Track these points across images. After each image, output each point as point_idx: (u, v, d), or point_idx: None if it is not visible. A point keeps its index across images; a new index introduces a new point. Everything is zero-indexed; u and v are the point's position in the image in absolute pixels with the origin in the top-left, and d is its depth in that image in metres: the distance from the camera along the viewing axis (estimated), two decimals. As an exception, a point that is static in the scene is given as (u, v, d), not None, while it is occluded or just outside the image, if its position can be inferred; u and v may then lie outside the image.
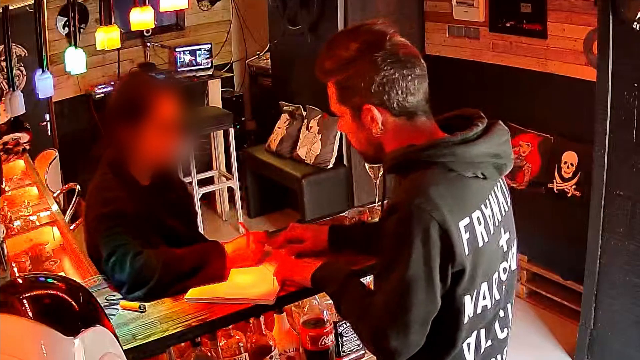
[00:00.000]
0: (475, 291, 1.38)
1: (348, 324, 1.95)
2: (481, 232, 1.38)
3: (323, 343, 1.88)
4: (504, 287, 1.47)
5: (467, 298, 1.37)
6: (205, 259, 1.80)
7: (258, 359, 1.82)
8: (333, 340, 1.92)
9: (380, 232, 1.41)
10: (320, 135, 4.63)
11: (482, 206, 1.40)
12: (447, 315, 1.37)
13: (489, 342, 1.46)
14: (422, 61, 1.43)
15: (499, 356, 1.51)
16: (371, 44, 1.39)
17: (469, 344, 1.42)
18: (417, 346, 1.35)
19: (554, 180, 3.59)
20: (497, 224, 1.43)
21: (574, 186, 3.51)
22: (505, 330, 1.51)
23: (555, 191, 3.58)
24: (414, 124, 1.42)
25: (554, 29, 3.58)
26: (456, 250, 1.32)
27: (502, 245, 1.46)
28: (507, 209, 1.50)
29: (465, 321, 1.39)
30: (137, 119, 1.88)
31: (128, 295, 1.72)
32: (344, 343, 1.97)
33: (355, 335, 1.98)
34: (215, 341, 1.76)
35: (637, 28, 2.58)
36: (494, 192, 1.45)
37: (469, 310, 1.38)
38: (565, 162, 3.56)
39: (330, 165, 4.62)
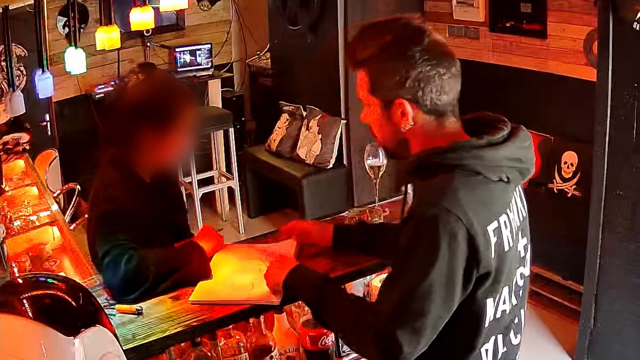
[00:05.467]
0: (498, 295, 1.37)
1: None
2: (507, 236, 1.37)
3: (323, 343, 1.88)
4: (520, 292, 1.47)
5: (489, 301, 1.36)
6: (185, 259, 1.79)
7: (258, 359, 1.82)
8: (333, 340, 1.92)
9: (400, 232, 1.38)
10: (320, 135, 4.63)
11: (507, 210, 1.39)
12: (468, 319, 1.35)
13: (505, 348, 1.46)
14: (458, 61, 1.41)
15: (511, 356, 1.50)
16: (408, 38, 1.37)
17: (487, 350, 1.41)
18: (419, 352, 1.32)
19: (554, 180, 3.59)
20: (516, 228, 1.42)
21: (574, 186, 3.51)
22: (519, 336, 1.51)
23: (555, 191, 3.58)
24: (442, 123, 1.40)
25: (554, 29, 3.58)
26: (482, 254, 1.29)
27: (520, 251, 1.45)
28: (524, 214, 1.49)
29: (487, 325, 1.37)
30: (164, 123, 1.88)
31: (122, 297, 1.71)
32: (344, 343, 1.97)
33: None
34: (215, 341, 1.76)
35: (637, 28, 2.58)
36: (514, 196, 1.45)
37: (490, 314, 1.37)
38: (565, 162, 3.56)
39: (330, 165, 4.62)
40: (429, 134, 1.40)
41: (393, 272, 1.38)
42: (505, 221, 1.37)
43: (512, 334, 1.47)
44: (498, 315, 1.39)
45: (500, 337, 1.43)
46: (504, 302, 1.40)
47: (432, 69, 1.36)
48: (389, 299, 1.33)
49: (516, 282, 1.44)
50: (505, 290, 1.39)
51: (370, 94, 1.43)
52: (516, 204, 1.45)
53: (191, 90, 2.05)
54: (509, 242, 1.37)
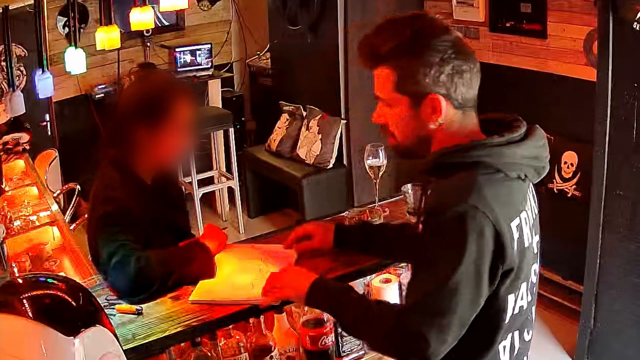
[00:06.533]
0: (518, 291, 1.39)
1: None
2: (527, 233, 1.38)
3: (323, 343, 1.88)
4: (533, 289, 1.47)
5: (510, 297, 1.37)
6: (191, 258, 1.80)
7: (258, 359, 1.82)
8: (333, 340, 1.92)
9: (421, 231, 1.38)
10: (320, 135, 4.63)
11: (526, 207, 1.41)
12: (490, 315, 1.36)
13: (519, 344, 1.47)
14: None
15: (525, 358, 1.51)
16: (436, 32, 1.36)
17: (504, 347, 1.42)
18: (447, 349, 1.32)
19: (554, 180, 3.59)
20: (531, 225, 1.44)
21: (574, 186, 3.51)
22: (531, 332, 1.51)
23: (555, 191, 3.58)
24: (465, 119, 1.41)
25: (554, 29, 3.58)
26: (507, 250, 1.31)
27: (534, 247, 1.46)
28: (536, 212, 1.50)
29: (507, 321, 1.38)
30: (157, 120, 1.87)
31: (131, 298, 1.70)
32: (344, 343, 1.98)
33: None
34: (215, 341, 1.76)
35: (637, 28, 2.58)
36: (528, 194, 1.46)
37: (510, 310, 1.38)
38: (565, 162, 3.56)
39: (330, 165, 4.62)
40: (453, 131, 1.40)
41: (418, 271, 1.38)
42: (525, 218, 1.38)
43: (525, 331, 1.49)
44: (516, 311, 1.40)
45: (517, 333, 1.44)
46: (522, 298, 1.41)
47: (463, 63, 1.35)
48: (416, 299, 1.33)
49: (531, 279, 1.45)
50: (524, 286, 1.40)
51: (396, 91, 1.39)
52: (530, 201, 1.46)
53: (185, 86, 2.04)
54: (528, 238, 1.39)
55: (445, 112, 1.37)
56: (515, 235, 1.33)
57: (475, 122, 1.43)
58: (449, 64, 1.34)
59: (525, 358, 1.51)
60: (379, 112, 1.46)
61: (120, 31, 4.38)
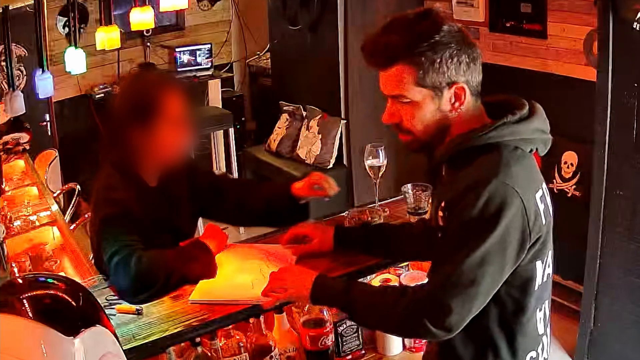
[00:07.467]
0: (545, 258, 1.44)
1: (348, 324, 1.95)
2: (549, 203, 1.44)
3: (323, 343, 1.88)
4: (552, 257, 1.52)
5: (538, 264, 1.42)
6: (193, 258, 1.80)
7: (258, 359, 1.82)
8: (333, 340, 1.92)
9: (451, 215, 1.39)
10: (320, 135, 4.63)
11: (544, 178, 1.47)
12: (519, 281, 1.40)
13: (549, 314, 1.53)
14: None
15: (549, 325, 1.56)
16: (445, 24, 1.38)
17: (540, 318, 1.48)
18: (470, 318, 1.35)
19: (554, 180, 3.59)
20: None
21: (574, 186, 3.51)
22: (550, 301, 1.56)
23: (555, 191, 3.58)
24: (476, 104, 1.45)
25: (554, 29, 3.58)
26: (534, 223, 1.36)
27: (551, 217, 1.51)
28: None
29: (536, 288, 1.43)
30: (148, 119, 1.86)
31: (133, 298, 1.70)
32: (344, 343, 1.98)
33: (355, 335, 1.98)
34: (215, 341, 1.76)
35: (637, 28, 2.58)
36: None
37: (539, 276, 1.43)
38: (565, 162, 3.56)
39: (330, 165, 4.62)
40: (468, 117, 1.43)
41: (447, 247, 1.38)
42: (545, 188, 1.45)
43: (550, 300, 1.54)
44: (545, 279, 1.46)
45: (547, 303, 1.50)
46: (549, 266, 1.47)
47: (473, 51, 1.40)
48: (442, 272, 1.36)
49: (552, 248, 1.50)
50: (550, 254, 1.47)
51: (418, 85, 1.39)
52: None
53: (173, 82, 2.03)
54: (551, 208, 1.45)
55: (466, 100, 1.41)
56: (541, 207, 1.39)
57: (482, 107, 1.46)
58: (465, 52, 1.38)
59: (549, 324, 1.55)
60: (392, 110, 1.45)
61: (120, 31, 4.38)
